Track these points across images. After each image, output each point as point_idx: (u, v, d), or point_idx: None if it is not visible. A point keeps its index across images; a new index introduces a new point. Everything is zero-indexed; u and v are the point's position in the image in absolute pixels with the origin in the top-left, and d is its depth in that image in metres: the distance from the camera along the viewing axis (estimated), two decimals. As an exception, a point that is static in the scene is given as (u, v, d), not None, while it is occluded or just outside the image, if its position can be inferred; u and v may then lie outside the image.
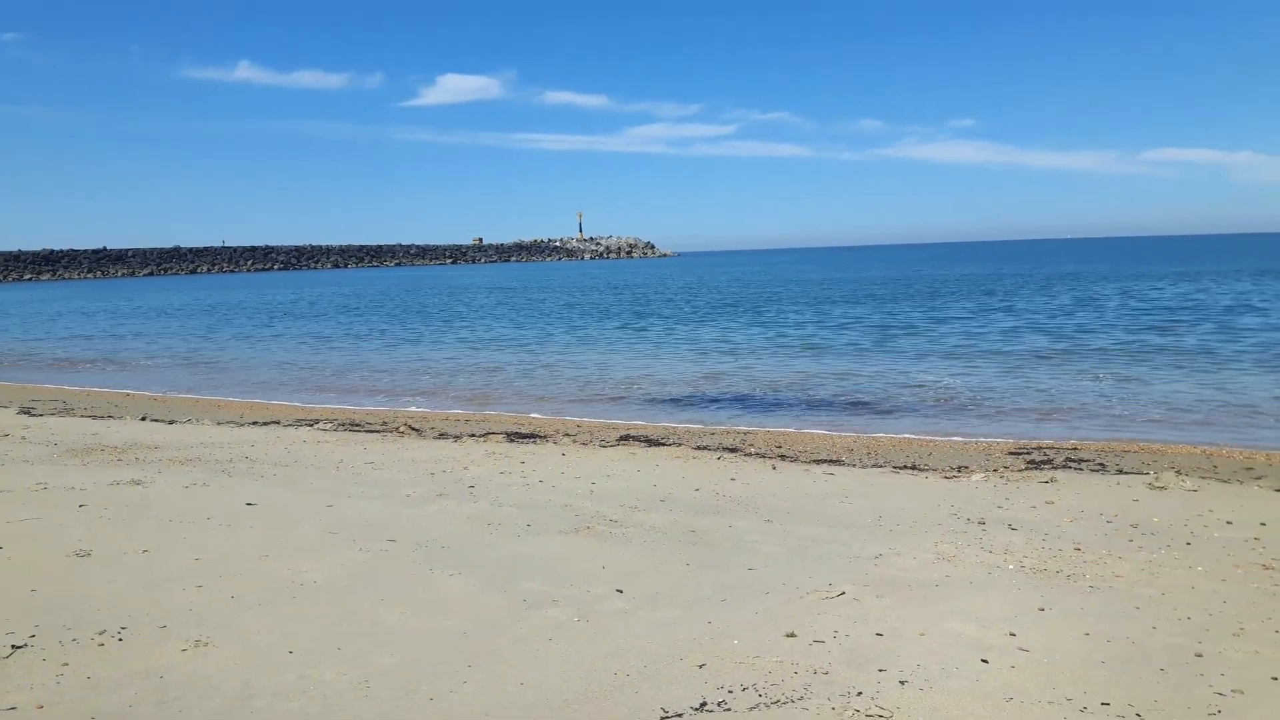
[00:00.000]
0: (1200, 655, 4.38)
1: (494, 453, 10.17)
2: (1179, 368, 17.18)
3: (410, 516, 7.20)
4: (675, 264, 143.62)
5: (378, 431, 12.03)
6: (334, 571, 5.76)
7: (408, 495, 7.95)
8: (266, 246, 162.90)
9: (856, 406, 14.56)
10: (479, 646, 4.55)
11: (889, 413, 13.92)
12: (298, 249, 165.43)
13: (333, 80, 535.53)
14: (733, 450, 10.59)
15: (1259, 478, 8.79)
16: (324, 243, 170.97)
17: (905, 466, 9.61)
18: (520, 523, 6.99)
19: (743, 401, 15.34)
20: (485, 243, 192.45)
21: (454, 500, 7.76)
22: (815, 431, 12.41)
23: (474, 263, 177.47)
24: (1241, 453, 10.30)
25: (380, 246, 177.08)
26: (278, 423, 13.07)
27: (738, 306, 39.39)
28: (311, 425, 12.65)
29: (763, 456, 10.25)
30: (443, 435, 11.71)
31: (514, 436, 11.44)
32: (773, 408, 14.72)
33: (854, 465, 9.72)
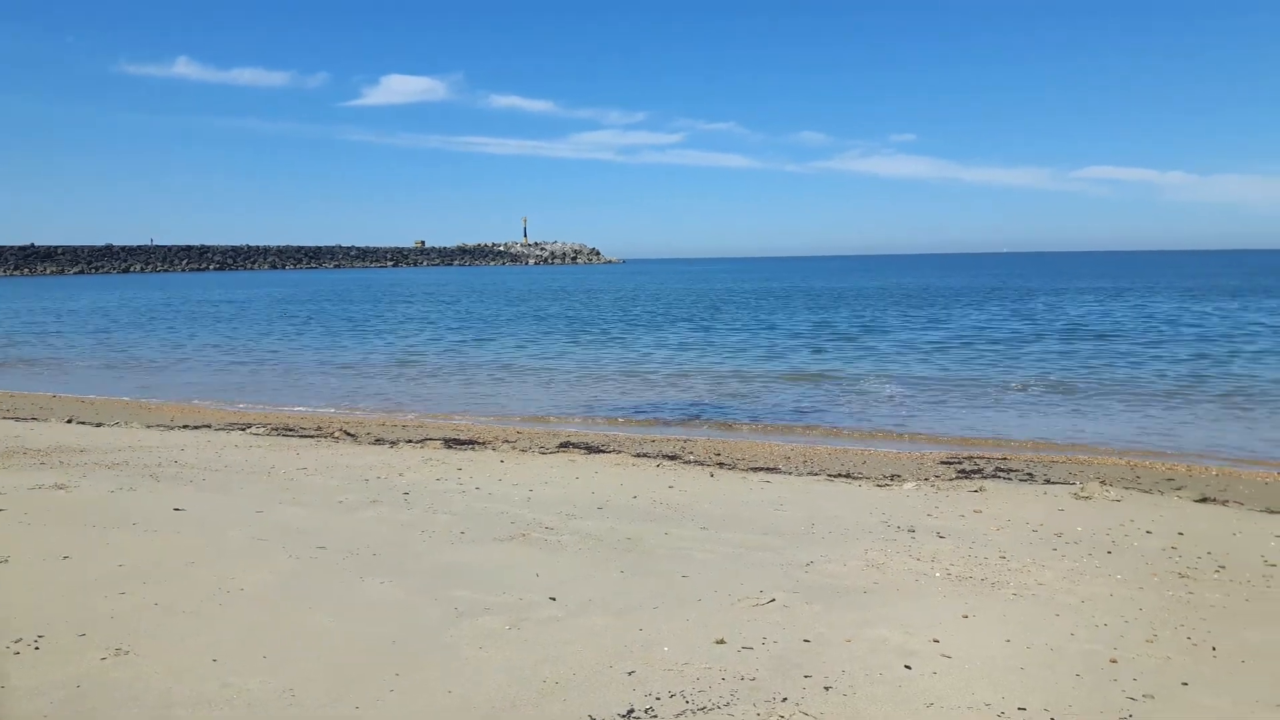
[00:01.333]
0: (1115, 661, 4.52)
1: (431, 459, 10.09)
2: (1107, 380, 17.66)
3: (342, 523, 7.11)
4: (620, 271, 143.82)
5: (311, 437, 11.85)
6: (262, 578, 5.67)
7: (340, 502, 7.86)
8: (202, 246, 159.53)
9: (796, 414, 14.73)
10: (408, 655, 4.52)
11: (827, 421, 14.10)
12: (234, 249, 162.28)
13: (274, 78, 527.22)
14: (672, 458, 10.65)
15: (1179, 489, 9.08)
16: (262, 243, 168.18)
17: (840, 475, 9.74)
18: (455, 530, 6.94)
19: (685, 408, 15.43)
20: (428, 246, 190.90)
21: (388, 507, 7.68)
22: (754, 439, 12.54)
23: (416, 265, 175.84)
24: (1164, 464, 10.62)
25: (319, 248, 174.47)
26: (209, 426, 12.82)
27: (682, 314, 39.58)
28: (244, 430, 12.42)
29: (701, 464, 10.32)
30: (379, 441, 11.59)
31: (452, 443, 11.36)
32: (714, 415, 14.82)
33: (790, 473, 9.83)
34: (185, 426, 12.77)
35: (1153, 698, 4.12)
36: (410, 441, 11.50)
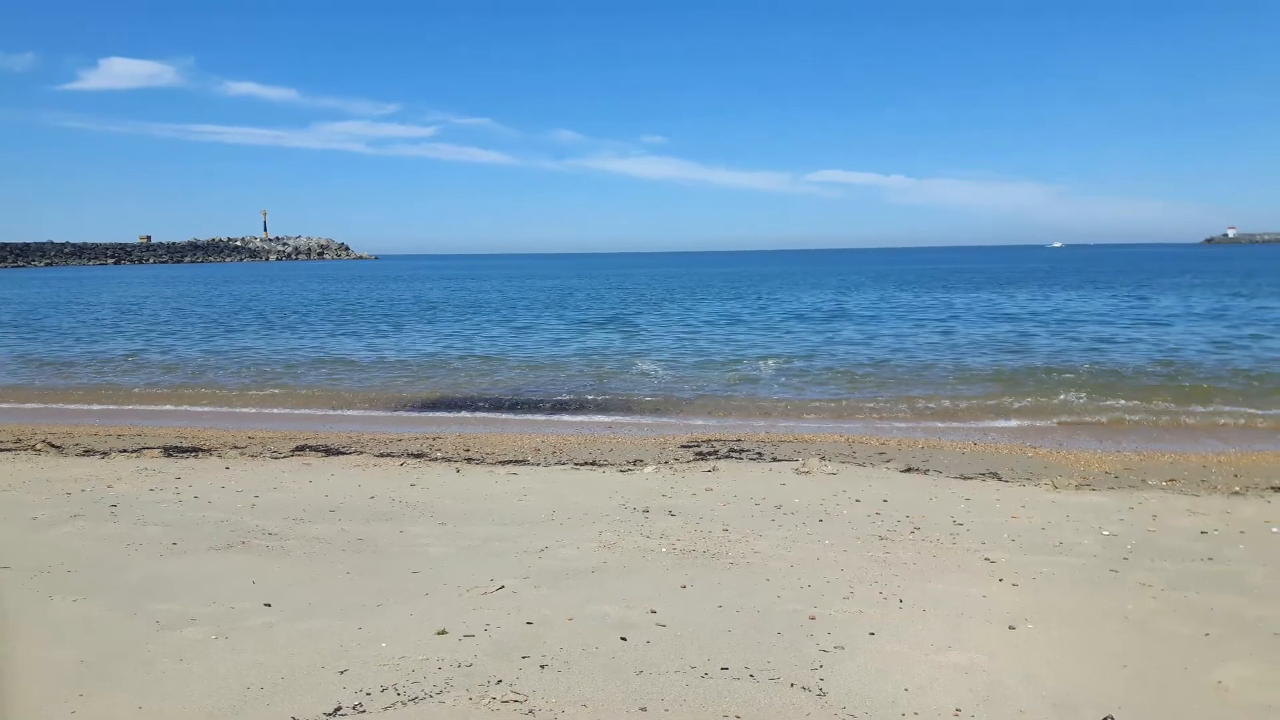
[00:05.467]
0: (814, 618, 4.86)
1: (146, 469, 9.33)
2: (836, 364, 18.96)
3: (34, 540, 6.44)
4: (370, 267, 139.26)
5: (9, 450, 10.66)
6: (-74, 608, 5.04)
7: (34, 518, 7.12)
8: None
9: (545, 406, 14.82)
10: (96, 674, 4.16)
11: (575, 411, 14.29)
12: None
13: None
14: (418, 456, 10.42)
15: (888, 461, 9.91)
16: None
17: (586, 463, 9.91)
18: (165, 541, 6.46)
19: (435, 406, 15.15)
20: (154, 241, 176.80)
21: (90, 521, 7.03)
22: (505, 433, 12.49)
23: (141, 263, 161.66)
24: (878, 440, 11.54)
25: (28, 244, 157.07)
26: (-121, 445, 11.23)
27: (435, 311, 38.85)
28: (-76, 447, 10.99)
29: (449, 460, 10.17)
30: (89, 452, 10.58)
31: (172, 451, 10.56)
32: (464, 410, 14.65)
33: (539, 464, 9.88)
34: None
35: (843, 648, 4.47)
36: (125, 451, 10.59)
